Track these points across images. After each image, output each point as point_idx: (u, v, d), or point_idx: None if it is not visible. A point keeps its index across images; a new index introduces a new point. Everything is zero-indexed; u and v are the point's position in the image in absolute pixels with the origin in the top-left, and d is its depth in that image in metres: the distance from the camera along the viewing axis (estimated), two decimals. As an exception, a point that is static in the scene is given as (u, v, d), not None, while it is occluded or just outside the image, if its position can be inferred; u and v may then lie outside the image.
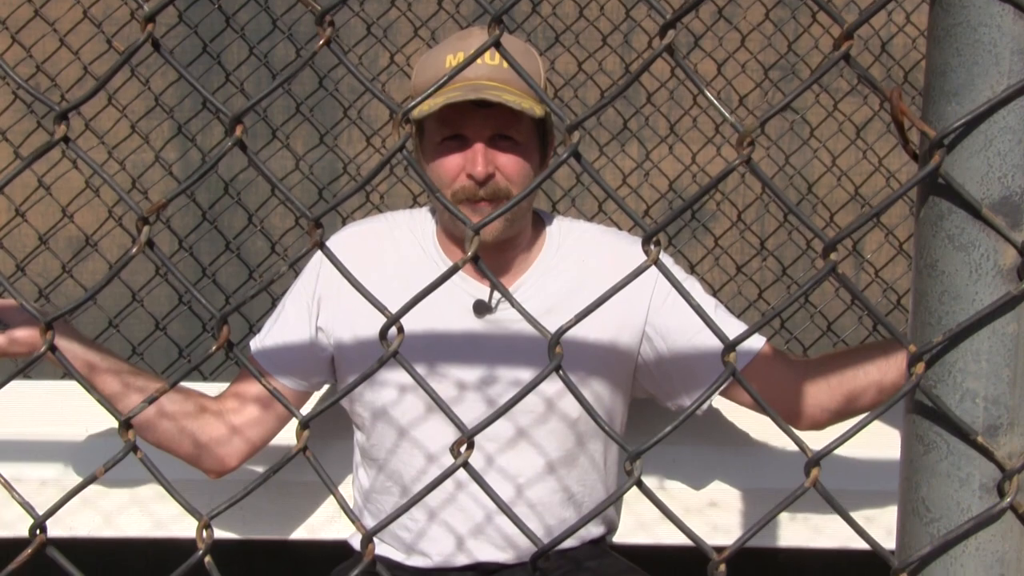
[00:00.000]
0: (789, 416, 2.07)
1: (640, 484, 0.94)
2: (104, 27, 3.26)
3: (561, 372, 0.95)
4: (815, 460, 0.94)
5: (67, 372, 0.94)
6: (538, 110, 1.97)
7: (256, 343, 2.17)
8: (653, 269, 2.06)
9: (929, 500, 0.94)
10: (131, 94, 3.26)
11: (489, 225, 1.95)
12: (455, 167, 1.98)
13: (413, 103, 0.98)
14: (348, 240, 2.15)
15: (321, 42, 0.98)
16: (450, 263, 2.09)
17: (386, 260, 2.11)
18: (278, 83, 0.98)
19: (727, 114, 0.93)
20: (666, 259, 2.19)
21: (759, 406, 2.06)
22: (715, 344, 2.05)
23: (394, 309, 0.97)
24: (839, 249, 0.95)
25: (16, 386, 2.52)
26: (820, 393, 2.03)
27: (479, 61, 1.96)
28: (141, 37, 0.94)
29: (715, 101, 0.90)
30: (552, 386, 2.06)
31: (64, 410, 2.45)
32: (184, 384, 2.14)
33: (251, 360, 2.13)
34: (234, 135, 0.97)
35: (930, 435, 0.94)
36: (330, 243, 2.15)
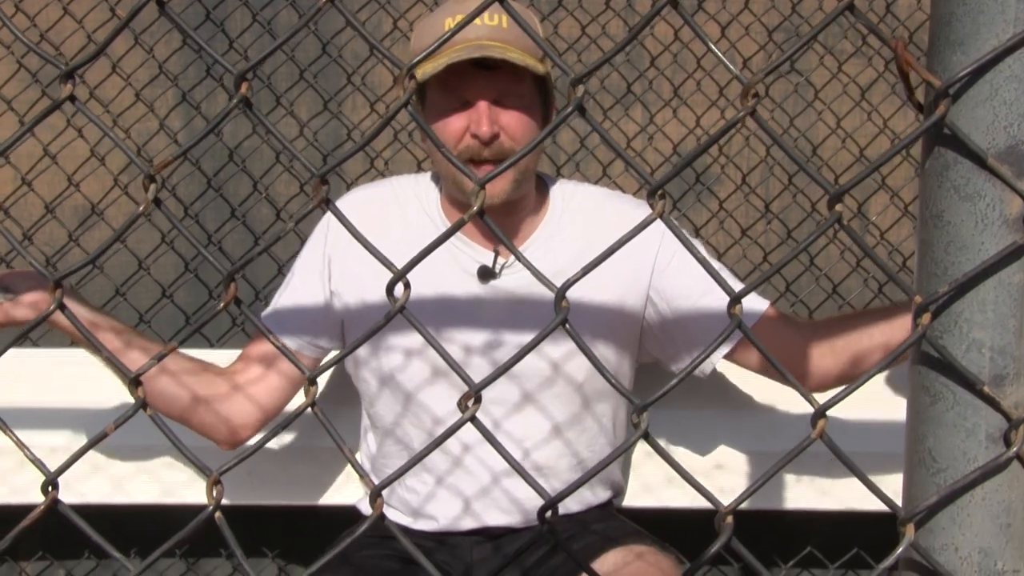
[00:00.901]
0: (803, 380, 2.07)
1: (647, 436, 0.94)
2: (107, -5, 3.25)
3: (568, 326, 0.95)
4: (821, 411, 0.94)
5: (75, 334, 0.94)
6: (540, 68, 1.97)
7: (268, 311, 2.17)
8: (657, 232, 2.08)
9: (935, 451, 0.95)
10: (135, 62, 3.25)
11: (496, 186, 1.99)
12: (459, 128, 1.98)
13: (418, 58, 0.98)
14: (352, 205, 2.15)
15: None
16: (450, 224, 2.10)
17: (391, 225, 2.12)
18: (284, 39, 0.98)
19: (731, 67, 0.93)
20: (670, 240, 2.20)
21: (766, 364, 2.06)
22: (718, 307, 2.07)
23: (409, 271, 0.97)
24: (844, 202, 0.95)
25: (26, 354, 2.55)
26: (825, 356, 2.03)
27: (478, 22, 1.96)
28: (145, -5, 0.95)
29: (720, 55, 0.90)
30: (558, 349, 2.06)
31: (74, 377, 2.46)
32: (193, 354, 2.14)
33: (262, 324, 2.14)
34: (239, 93, 0.97)
35: (936, 386, 0.95)
36: (338, 206, 2.15)
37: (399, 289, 0.97)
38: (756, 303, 2.09)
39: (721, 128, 0.93)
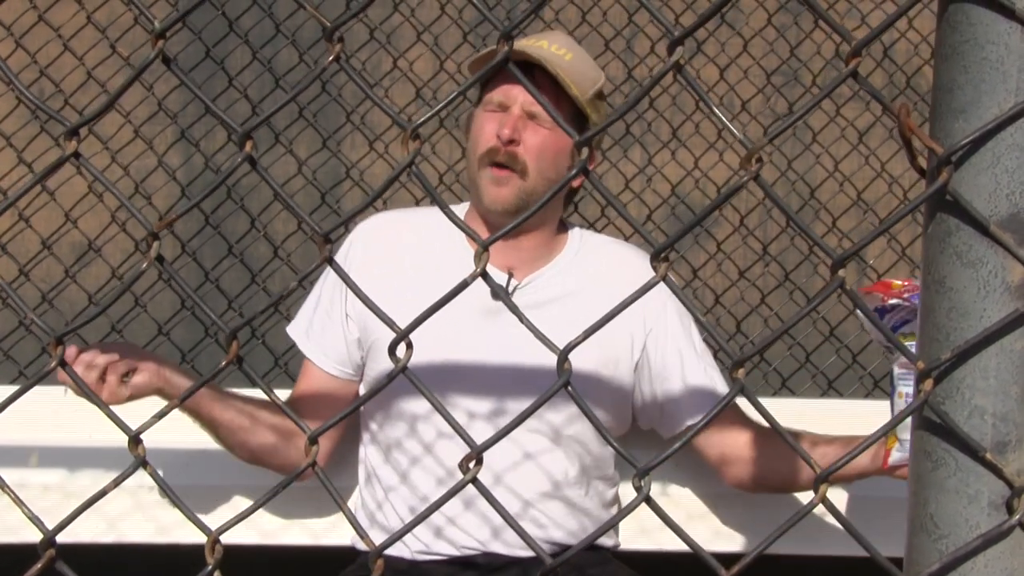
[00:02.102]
0: (725, 472, 2.22)
1: (649, 500, 0.94)
2: (108, 32, 3.26)
3: (570, 388, 0.95)
4: (824, 476, 0.94)
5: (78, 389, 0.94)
6: (581, 99, 2.07)
7: (301, 334, 2.19)
8: (661, 299, 2.11)
9: (937, 517, 0.94)
10: (134, 99, 3.26)
11: (500, 194, 2.05)
12: (490, 132, 2.06)
13: (422, 120, 0.98)
14: (369, 231, 2.20)
15: (331, 58, 0.98)
16: (469, 248, 2.12)
17: (405, 252, 2.16)
18: (289, 99, 0.98)
19: (736, 132, 0.93)
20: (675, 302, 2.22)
21: (719, 459, 2.16)
22: (697, 383, 2.17)
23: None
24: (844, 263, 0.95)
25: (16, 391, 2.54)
26: (762, 464, 2.16)
27: (544, 45, 2.08)
28: (152, 53, 0.95)
29: (724, 120, 0.90)
30: (558, 415, 2.08)
31: (67, 415, 2.45)
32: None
33: (304, 362, 2.23)
34: (244, 151, 0.98)
35: (938, 451, 0.94)
36: (359, 229, 2.23)
37: (401, 349, 0.97)
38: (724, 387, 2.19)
39: (723, 194, 0.93)
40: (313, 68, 3.29)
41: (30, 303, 2.96)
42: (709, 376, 2.19)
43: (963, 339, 0.93)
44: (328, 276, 2.21)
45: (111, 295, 0.88)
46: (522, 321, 0.97)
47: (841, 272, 0.94)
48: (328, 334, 2.17)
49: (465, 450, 2.07)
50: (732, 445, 2.17)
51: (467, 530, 2.10)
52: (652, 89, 3.02)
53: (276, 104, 3.31)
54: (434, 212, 2.28)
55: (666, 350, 2.16)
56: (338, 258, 2.18)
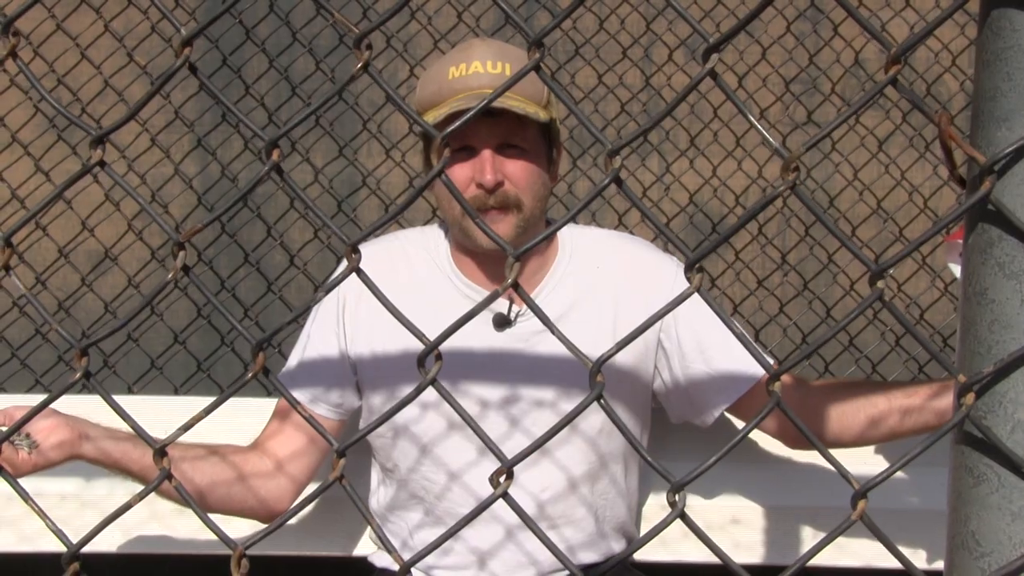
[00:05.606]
0: (792, 437, 2.13)
1: (684, 516, 0.92)
2: (125, 41, 3.25)
3: (603, 401, 0.94)
4: (862, 492, 0.92)
5: (105, 400, 0.93)
6: (543, 115, 1.97)
7: (287, 376, 2.16)
8: (669, 286, 2.07)
9: (979, 534, 0.92)
10: (152, 108, 3.25)
11: (499, 229, 1.98)
12: (464, 178, 1.98)
13: (453, 127, 0.97)
14: (368, 258, 2.14)
15: (359, 65, 0.96)
16: (463, 278, 2.09)
17: (400, 280, 2.10)
18: (316, 107, 0.97)
19: (771, 140, 0.91)
20: (683, 282, 2.17)
21: (778, 427, 2.06)
22: (721, 364, 2.07)
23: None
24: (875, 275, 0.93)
25: (33, 401, 2.53)
26: (836, 421, 2.03)
27: (481, 70, 1.97)
28: (178, 62, 0.93)
29: (762, 131, 0.89)
30: (573, 404, 2.04)
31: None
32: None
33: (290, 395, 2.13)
34: (271, 160, 0.96)
35: (980, 467, 0.92)
36: (343, 265, 2.14)
37: (430, 360, 0.96)
38: (753, 366, 2.07)
39: (760, 202, 0.91)
40: (330, 76, 3.29)
41: (48, 311, 2.98)
42: (731, 351, 2.08)
43: (1006, 352, 0.91)
44: (317, 319, 2.16)
45: (135, 306, 0.87)
46: (558, 337, 0.95)
47: (880, 284, 0.92)
48: (323, 378, 2.12)
49: (453, 466, 2.05)
50: (802, 417, 2.07)
51: (468, 561, 2.09)
52: (664, 88, 2.98)
53: (293, 112, 3.31)
54: (414, 238, 2.21)
55: (681, 337, 2.09)
56: (339, 290, 2.14)
